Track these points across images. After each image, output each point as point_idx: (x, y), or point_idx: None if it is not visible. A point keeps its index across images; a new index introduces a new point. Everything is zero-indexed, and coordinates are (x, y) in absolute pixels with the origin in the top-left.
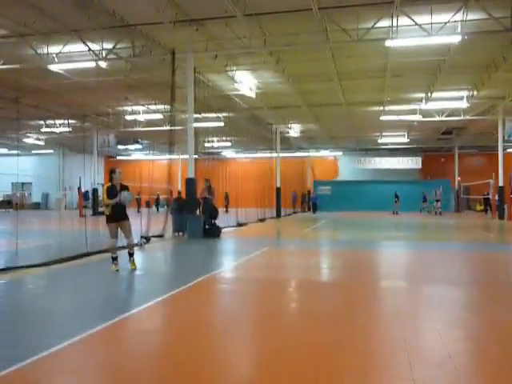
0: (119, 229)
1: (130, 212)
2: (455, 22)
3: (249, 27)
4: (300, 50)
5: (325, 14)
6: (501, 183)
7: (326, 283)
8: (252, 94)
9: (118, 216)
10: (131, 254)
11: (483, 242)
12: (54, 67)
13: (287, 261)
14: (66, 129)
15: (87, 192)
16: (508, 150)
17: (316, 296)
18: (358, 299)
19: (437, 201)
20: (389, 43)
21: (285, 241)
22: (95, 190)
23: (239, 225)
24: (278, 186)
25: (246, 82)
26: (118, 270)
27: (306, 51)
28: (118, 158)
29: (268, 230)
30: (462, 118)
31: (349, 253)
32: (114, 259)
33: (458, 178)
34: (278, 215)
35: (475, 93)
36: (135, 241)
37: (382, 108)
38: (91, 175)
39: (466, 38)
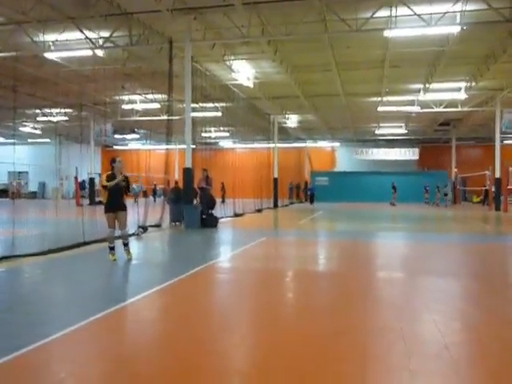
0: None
1: (127, 202)
2: (454, 12)
3: (247, 16)
4: (299, 40)
5: (324, 4)
6: (497, 175)
7: (324, 274)
8: (250, 84)
9: (114, 206)
10: (126, 244)
11: (480, 234)
12: (50, 55)
13: (285, 251)
14: (63, 118)
15: (84, 181)
16: (505, 142)
17: (313, 287)
18: (355, 290)
19: (445, 194)
20: (387, 33)
21: (282, 231)
22: (92, 180)
23: (236, 215)
24: (276, 176)
25: (244, 72)
26: (115, 260)
27: (304, 41)
28: (115, 147)
29: (265, 220)
30: (459, 109)
31: (346, 243)
32: (112, 249)
33: (454, 170)
34: (276, 206)
35: (473, 84)
36: (130, 231)
37: (380, 99)
38: (88, 165)
39: (465, 28)
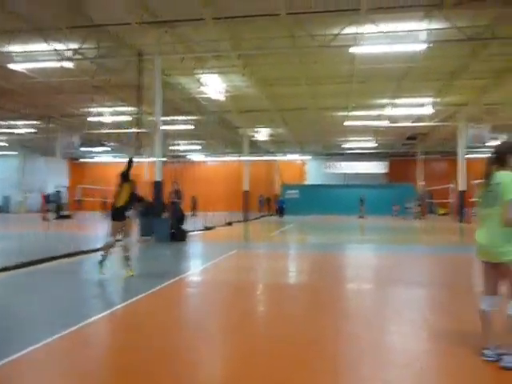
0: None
1: (96, 216)
2: (420, 30)
3: (218, 30)
4: (268, 55)
5: (293, 20)
6: (461, 188)
7: (295, 285)
8: (220, 98)
9: (123, 215)
10: (128, 258)
11: (444, 245)
12: (15, 66)
13: (255, 264)
14: (30, 130)
15: (49, 195)
16: (470, 156)
17: (285, 298)
18: (326, 301)
19: (412, 207)
20: (354, 50)
21: (252, 244)
22: (58, 193)
23: (207, 228)
24: (246, 189)
25: (214, 86)
26: (103, 274)
27: (274, 55)
28: (83, 160)
29: (236, 233)
30: (424, 124)
31: (317, 255)
32: (103, 260)
33: (421, 183)
34: (246, 219)
35: (439, 99)
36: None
37: (348, 113)
38: (55, 178)
39: (430, 46)
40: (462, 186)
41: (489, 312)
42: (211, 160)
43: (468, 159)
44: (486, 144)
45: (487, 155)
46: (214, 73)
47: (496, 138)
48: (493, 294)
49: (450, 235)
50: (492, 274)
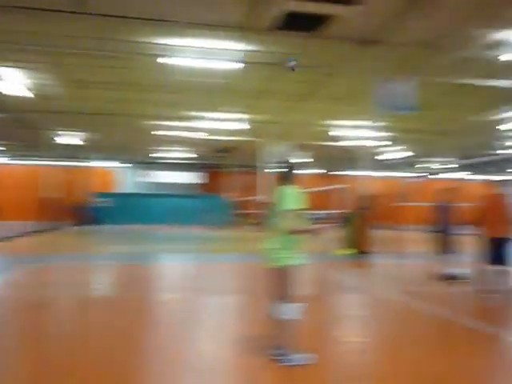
0: None
1: None
2: (235, 50)
3: (20, 21)
4: (80, 55)
5: (104, 21)
6: (264, 200)
7: (99, 299)
8: (22, 94)
9: None
10: None
11: (247, 252)
12: None
13: (56, 278)
14: None
15: None
16: (268, 170)
17: (85, 313)
18: (131, 313)
19: (228, 215)
20: (164, 60)
21: (57, 256)
22: None
23: (2, 239)
24: (53, 196)
25: (14, 81)
26: None
27: (85, 57)
28: None
29: (38, 244)
30: (233, 138)
31: (125, 267)
32: None
33: (232, 194)
34: (51, 228)
35: (250, 116)
36: None
37: (161, 123)
38: None
39: (244, 65)
40: (264, 198)
41: (275, 316)
42: (10, 164)
43: (273, 174)
44: (288, 160)
45: (277, 171)
46: (16, 67)
47: (295, 155)
48: (280, 299)
49: (255, 244)
50: (277, 278)
